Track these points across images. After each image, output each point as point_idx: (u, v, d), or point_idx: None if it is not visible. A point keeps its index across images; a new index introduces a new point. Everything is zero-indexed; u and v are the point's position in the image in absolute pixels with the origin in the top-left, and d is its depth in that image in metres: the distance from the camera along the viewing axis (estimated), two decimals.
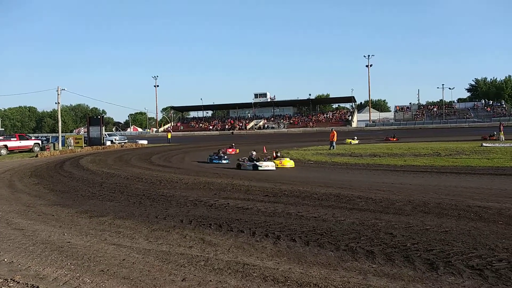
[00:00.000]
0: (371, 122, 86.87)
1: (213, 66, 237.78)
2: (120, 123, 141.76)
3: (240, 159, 20.21)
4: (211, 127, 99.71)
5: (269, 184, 12.55)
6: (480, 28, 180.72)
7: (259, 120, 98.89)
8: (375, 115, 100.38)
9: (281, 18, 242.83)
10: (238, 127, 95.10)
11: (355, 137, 40.04)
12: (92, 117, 50.27)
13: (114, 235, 7.30)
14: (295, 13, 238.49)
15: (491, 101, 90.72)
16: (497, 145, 26.63)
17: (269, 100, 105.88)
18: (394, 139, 38.88)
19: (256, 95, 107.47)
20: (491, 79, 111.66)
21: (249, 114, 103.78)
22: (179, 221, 8.14)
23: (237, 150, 30.22)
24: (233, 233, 7.14)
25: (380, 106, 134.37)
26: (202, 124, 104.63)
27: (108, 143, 45.19)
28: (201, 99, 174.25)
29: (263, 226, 7.42)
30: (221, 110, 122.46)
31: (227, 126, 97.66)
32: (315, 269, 5.23)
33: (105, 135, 47.72)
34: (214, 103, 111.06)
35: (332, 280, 4.84)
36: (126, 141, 50.27)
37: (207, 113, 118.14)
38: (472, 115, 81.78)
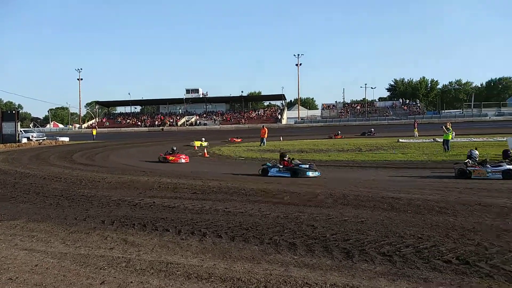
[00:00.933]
0: (300, 119, 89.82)
1: (143, 59, 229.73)
2: (39, 118, 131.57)
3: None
4: (139, 123, 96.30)
5: (198, 182, 12.45)
6: (399, 33, 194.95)
7: (191, 116, 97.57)
8: (304, 112, 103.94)
9: (214, 14, 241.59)
10: (168, 123, 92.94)
11: (203, 138, 36.24)
12: (6, 112, 45.89)
13: (27, 240, 6.77)
14: (228, 9, 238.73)
15: (408, 100, 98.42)
16: (411, 140, 29.01)
17: (201, 96, 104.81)
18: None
19: (188, 91, 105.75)
20: (408, 80, 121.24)
21: (180, 110, 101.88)
22: (100, 222, 7.76)
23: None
24: (158, 232, 6.98)
25: (308, 104, 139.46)
26: (130, 120, 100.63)
27: (24, 140, 41.68)
28: (129, 93, 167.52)
29: (190, 224, 7.35)
30: (151, 106, 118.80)
31: (156, 122, 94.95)
32: (239, 264, 5.30)
33: (21, 131, 43.98)
34: (143, 98, 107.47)
35: (255, 273, 4.94)
36: (45, 138, 46.76)
37: (135, 108, 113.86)
38: (391, 113, 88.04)
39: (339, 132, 41.53)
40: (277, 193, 10.04)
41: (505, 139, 20.83)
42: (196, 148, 31.12)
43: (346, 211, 7.99)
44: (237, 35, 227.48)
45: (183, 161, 21.02)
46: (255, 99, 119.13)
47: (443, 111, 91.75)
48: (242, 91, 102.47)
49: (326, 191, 10.04)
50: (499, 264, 4.94)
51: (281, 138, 38.40)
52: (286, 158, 14.24)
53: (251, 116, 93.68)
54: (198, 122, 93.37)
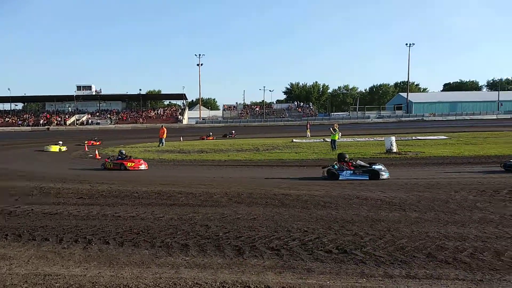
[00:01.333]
0: (201, 119, 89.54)
1: (26, 51, 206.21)
2: None
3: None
4: (21, 122, 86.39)
5: (84, 186, 11.59)
6: (294, 37, 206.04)
7: (82, 115, 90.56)
8: (205, 113, 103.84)
9: (110, 7, 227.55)
10: (55, 122, 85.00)
11: (60, 142, 30.39)
12: None
13: None
14: (127, 3, 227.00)
15: (302, 103, 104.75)
16: (304, 140, 30.88)
17: (94, 93, 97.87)
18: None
19: (79, 88, 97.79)
20: (302, 84, 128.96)
21: (70, 108, 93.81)
22: None
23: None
24: (36, 242, 6.33)
25: (210, 104, 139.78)
26: (10, 118, 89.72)
27: None
28: (8, 89, 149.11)
29: (73, 231, 6.80)
30: (35, 103, 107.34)
31: (41, 121, 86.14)
32: (127, 270, 5.07)
33: None
34: (26, 95, 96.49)
35: (144, 278, 4.76)
36: None
37: (16, 105, 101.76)
38: (287, 114, 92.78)
39: (211, 134, 40.41)
40: (172, 194, 9.85)
41: (383, 139, 23.35)
42: (86, 149, 28.99)
43: (240, 209, 8.17)
44: (136, 31, 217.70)
45: (143, 167, 16.85)
46: (154, 97, 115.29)
47: (332, 113, 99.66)
48: (140, 89, 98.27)
49: (221, 190, 10.15)
50: (371, 250, 5.51)
51: (181, 138, 37.81)
52: (347, 159, 12.68)
53: (150, 115, 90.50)
54: (90, 121, 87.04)
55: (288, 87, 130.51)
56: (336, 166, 12.48)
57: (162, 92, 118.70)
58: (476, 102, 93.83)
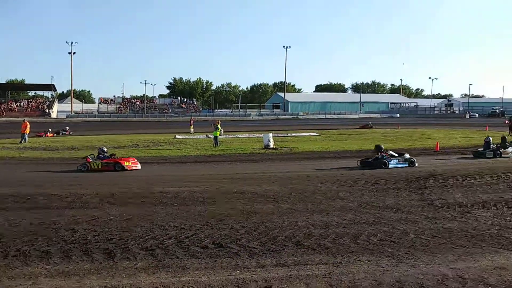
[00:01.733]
0: (73, 113, 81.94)
1: None
2: None
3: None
4: None
5: None
6: (179, 30, 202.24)
7: None
8: (78, 106, 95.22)
9: None
10: None
11: None
12: None
13: None
14: None
15: (186, 99, 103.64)
16: (187, 137, 30.58)
17: None
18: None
19: None
20: (186, 79, 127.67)
21: None
22: None
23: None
24: None
25: (84, 97, 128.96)
26: None
27: None
28: None
29: None
30: None
31: None
32: None
33: None
34: None
35: None
36: None
37: None
38: (170, 110, 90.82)
39: (50, 130, 35.51)
40: (31, 196, 8.77)
41: (261, 135, 24.45)
42: None
43: (112, 210, 7.68)
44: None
45: (139, 166, 14.17)
46: (16, 88, 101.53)
47: (216, 110, 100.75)
48: None
49: (92, 191, 9.41)
50: (246, 243, 5.69)
51: (48, 134, 34.03)
52: (383, 150, 13.94)
53: (11, 107, 79.53)
54: None
55: (171, 81, 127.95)
56: (385, 156, 13.76)
57: (26, 82, 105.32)
58: (342, 102, 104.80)
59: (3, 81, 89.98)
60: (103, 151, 14.53)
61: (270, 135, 21.43)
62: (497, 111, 79.66)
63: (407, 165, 13.47)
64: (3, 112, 75.96)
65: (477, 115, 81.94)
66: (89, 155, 14.66)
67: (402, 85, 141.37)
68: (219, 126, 22.58)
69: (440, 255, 5.07)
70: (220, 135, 23.07)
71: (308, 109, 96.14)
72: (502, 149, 15.43)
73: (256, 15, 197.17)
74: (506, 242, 5.53)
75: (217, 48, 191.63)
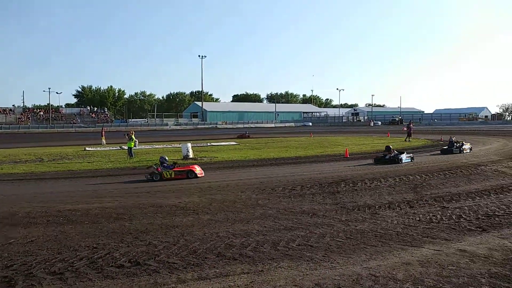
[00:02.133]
0: None
1: None
2: None
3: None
4: None
5: None
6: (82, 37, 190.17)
7: None
8: None
9: None
10: None
11: None
12: None
13: None
14: None
15: (96, 108, 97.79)
16: (98, 149, 28.79)
17: None
18: None
19: None
20: (96, 87, 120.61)
21: None
22: None
23: None
24: None
25: None
26: None
27: None
28: None
29: None
30: None
31: None
32: None
33: None
34: None
35: None
36: None
37: None
38: (79, 120, 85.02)
39: None
40: None
41: (180, 145, 23.94)
42: None
43: (13, 232, 6.90)
44: None
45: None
46: None
47: (130, 119, 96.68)
48: None
49: None
50: (165, 258, 5.47)
51: None
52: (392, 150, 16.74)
53: None
54: None
55: (79, 90, 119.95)
56: (397, 154, 16.46)
57: None
58: (259, 112, 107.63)
59: None
60: (165, 159, 14.21)
61: (189, 145, 21.10)
62: (397, 119, 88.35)
63: (410, 160, 16.42)
64: None
65: (380, 123, 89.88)
66: (154, 165, 14.35)
67: (313, 95, 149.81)
68: (133, 136, 21.65)
69: (354, 256, 5.38)
70: (134, 146, 22.12)
71: (226, 118, 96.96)
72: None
73: (168, 22, 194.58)
74: (410, 239, 6.06)
75: (131, 55, 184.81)
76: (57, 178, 14.71)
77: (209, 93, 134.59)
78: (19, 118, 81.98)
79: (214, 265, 5.18)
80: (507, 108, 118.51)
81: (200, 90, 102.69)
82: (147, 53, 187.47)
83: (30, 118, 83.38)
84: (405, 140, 30.11)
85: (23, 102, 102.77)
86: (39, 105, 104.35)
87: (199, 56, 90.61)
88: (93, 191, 11.48)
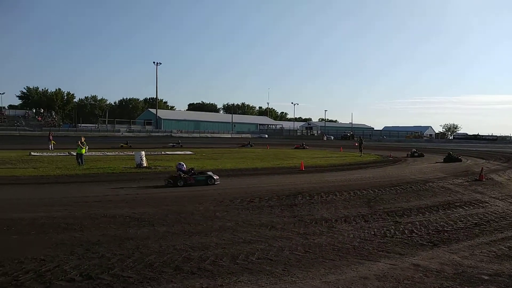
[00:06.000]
0: None
1: None
2: None
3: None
4: None
5: None
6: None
7: None
8: None
9: None
10: None
11: None
12: None
13: None
14: None
15: (43, 111, 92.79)
16: (45, 154, 27.26)
17: None
18: None
19: None
20: (43, 89, 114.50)
21: None
22: None
23: None
24: None
25: None
26: None
27: None
28: None
29: None
30: None
31: None
32: None
33: None
34: None
35: None
36: None
37: None
38: (24, 123, 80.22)
39: None
40: None
41: (133, 153, 23.21)
42: None
43: None
44: None
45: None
46: None
47: (79, 124, 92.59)
48: None
49: None
50: (119, 272, 5.22)
51: None
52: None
53: None
54: None
55: (24, 91, 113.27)
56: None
57: None
58: (215, 122, 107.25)
59: None
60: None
61: (143, 153, 20.52)
62: (348, 134, 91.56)
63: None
64: None
65: (332, 137, 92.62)
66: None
67: (269, 108, 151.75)
68: (84, 142, 20.72)
69: (313, 270, 5.42)
70: (85, 152, 21.16)
71: (182, 127, 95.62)
72: None
73: (123, 27, 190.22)
74: (366, 253, 6.20)
75: (81, 57, 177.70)
76: (0, 184, 13.71)
77: (163, 101, 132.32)
78: None
79: (172, 279, 5.01)
80: (449, 128, 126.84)
81: (155, 97, 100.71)
82: (100, 57, 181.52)
83: None
84: (360, 155, 31.22)
85: None
86: None
87: (154, 62, 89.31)
88: (40, 199, 10.77)
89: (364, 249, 6.38)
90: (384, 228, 7.83)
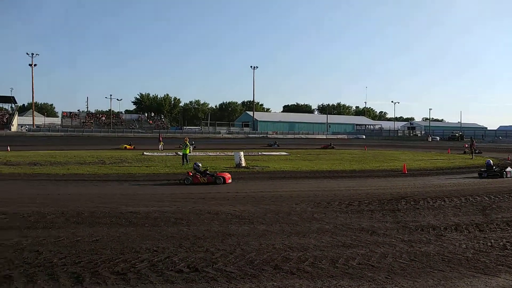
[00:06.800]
0: (34, 127, 78.76)
1: None
2: None
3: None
4: None
5: None
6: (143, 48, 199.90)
7: None
8: (40, 119, 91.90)
9: None
10: None
11: None
12: None
13: None
14: None
15: (153, 115, 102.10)
16: (156, 154, 29.93)
17: None
18: None
19: None
20: (153, 95, 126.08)
21: None
22: None
23: None
24: None
25: (46, 110, 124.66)
26: None
27: None
28: None
29: None
30: None
31: None
32: None
33: None
34: None
35: None
36: None
37: None
38: (138, 126, 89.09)
39: None
40: None
41: (232, 153, 24.28)
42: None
43: (79, 230, 7.26)
44: None
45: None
46: None
47: (185, 127, 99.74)
48: None
49: (57, 209, 8.91)
50: (222, 266, 5.47)
51: (8, 148, 32.38)
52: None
53: None
54: None
55: (138, 97, 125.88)
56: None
57: None
58: (310, 123, 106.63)
59: None
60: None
61: (241, 153, 21.31)
62: (457, 134, 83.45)
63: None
64: None
65: (438, 138, 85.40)
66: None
67: (367, 107, 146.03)
68: (187, 143, 22.26)
69: (421, 280, 5.05)
70: (189, 152, 22.72)
71: (277, 128, 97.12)
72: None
73: (226, 34, 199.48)
74: (482, 266, 5.59)
75: (186, 67, 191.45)
76: (119, 180, 15.42)
77: (260, 103, 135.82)
78: (83, 122, 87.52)
79: (272, 278, 5.09)
80: None
81: (252, 100, 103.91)
82: (203, 63, 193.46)
83: (93, 123, 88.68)
84: (472, 157, 28.33)
85: (87, 107, 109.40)
86: (101, 110, 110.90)
87: (251, 67, 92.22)
88: (152, 194, 11.88)
89: (480, 262, 5.75)
90: (504, 240, 6.97)
